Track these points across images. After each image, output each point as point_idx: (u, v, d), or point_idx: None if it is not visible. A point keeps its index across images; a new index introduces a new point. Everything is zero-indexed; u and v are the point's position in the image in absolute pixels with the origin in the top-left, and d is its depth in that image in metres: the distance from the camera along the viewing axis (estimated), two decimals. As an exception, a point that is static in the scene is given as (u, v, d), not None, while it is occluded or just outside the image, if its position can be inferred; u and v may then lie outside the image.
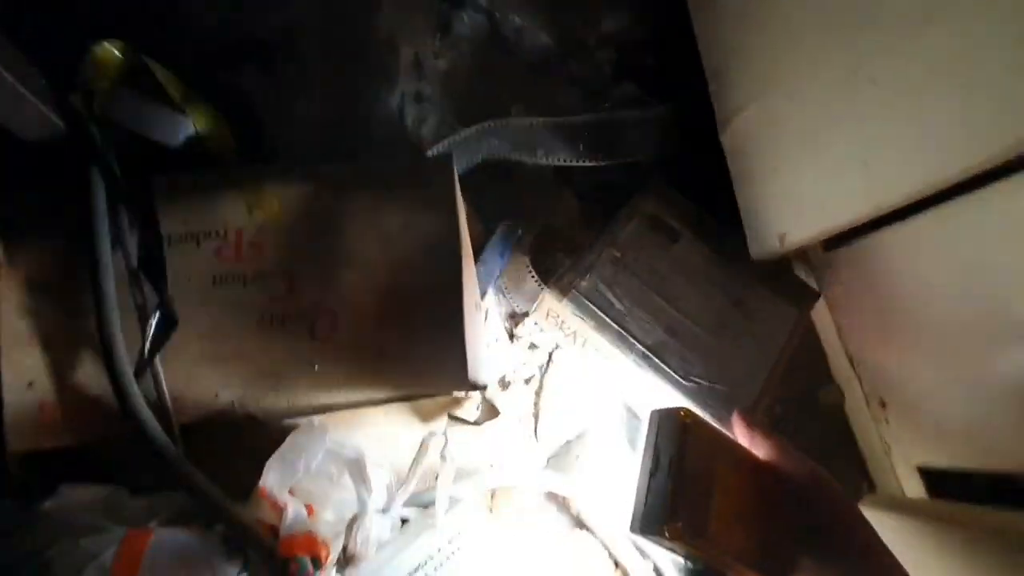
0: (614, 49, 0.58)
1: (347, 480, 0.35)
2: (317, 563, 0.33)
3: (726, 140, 0.53)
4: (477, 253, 0.50)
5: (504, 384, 0.52)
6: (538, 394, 0.53)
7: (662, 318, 0.47)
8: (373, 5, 0.52)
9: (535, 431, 0.51)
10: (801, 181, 0.46)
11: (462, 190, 0.42)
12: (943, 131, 0.35)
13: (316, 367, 0.38)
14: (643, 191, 0.52)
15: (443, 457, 0.37)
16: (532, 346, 0.53)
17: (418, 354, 0.39)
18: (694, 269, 0.50)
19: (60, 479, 0.34)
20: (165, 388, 0.37)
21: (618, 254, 0.49)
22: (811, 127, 0.45)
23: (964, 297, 0.41)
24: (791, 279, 0.53)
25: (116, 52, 0.38)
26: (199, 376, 0.38)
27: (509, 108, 0.55)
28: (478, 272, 0.47)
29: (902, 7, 0.36)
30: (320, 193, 0.41)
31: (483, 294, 0.48)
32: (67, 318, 0.37)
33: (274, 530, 0.33)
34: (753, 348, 0.48)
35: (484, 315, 0.49)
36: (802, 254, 0.54)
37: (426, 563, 0.39)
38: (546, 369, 0.53)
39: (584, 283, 0.47)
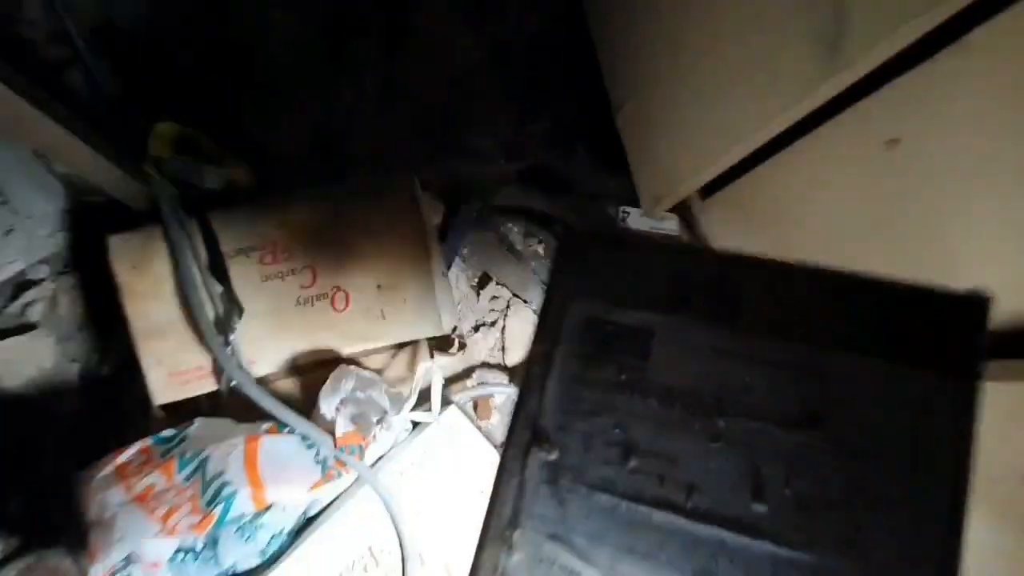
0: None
1: (372, 396, 0.54)
2: (361, 449, 0.52)
3: (619, 124, 0.69)
4: (444, 234, 0.67)
5: (476, 328, 0.70)
6: (503, 332, 0.71)
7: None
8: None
9: (503, 359, 0.70)
10: (670, 152, 0.63)
11: (426, 185, 0.59)
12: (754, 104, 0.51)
13: (340, 330, 0.57)
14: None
15: (435, 374, 0.56)
16: (493, 298, 0.71)
17: (406, 312, 0.57)
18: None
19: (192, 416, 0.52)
20: (242, 353, 0.55)
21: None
22: (670, 108, 0.61)
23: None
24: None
25: (171, 128, 0.55)
26: (262, 344, 0.57)
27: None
28: (444, 249, 0.65)
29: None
30: (325, 207, 0.58)
31: (449, 265, 0.66)
32: (175, 314, 0.55)
33: (331, 431, 0.52)
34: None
35: (452, 280, 0.67)
36: (685, 208, 0.71)
37: (425, 454, 0.58)
38: (506, 313, 0.71)
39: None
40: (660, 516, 0.29)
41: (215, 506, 0.47)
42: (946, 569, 0.26)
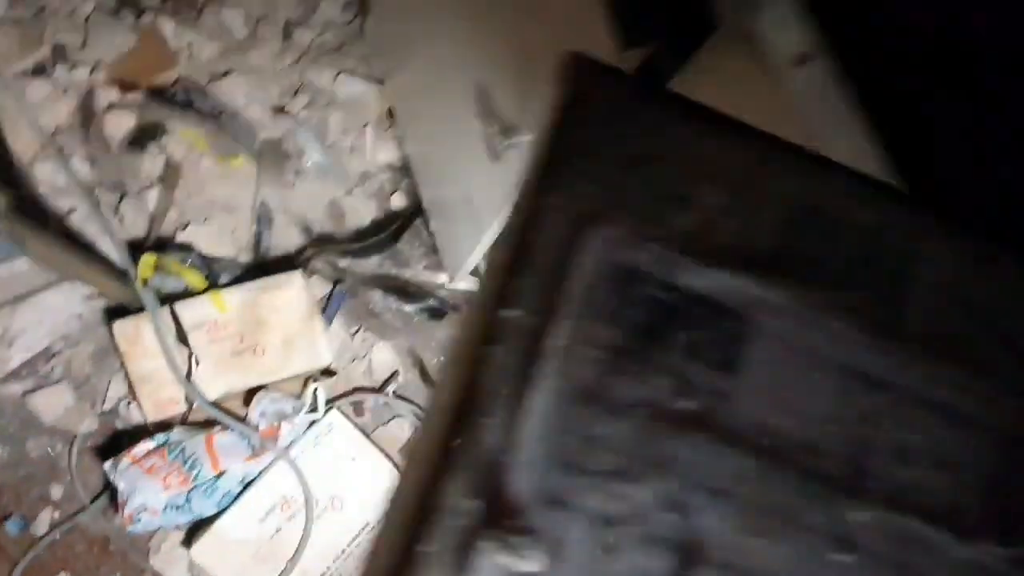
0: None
1: (280, 406, 0.92)
2: (275, 438, 0.91)
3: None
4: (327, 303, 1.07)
5: (352, 360, 1.09)
6: (370, 363, 1.11)
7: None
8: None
9: (372, 380, 1.10)
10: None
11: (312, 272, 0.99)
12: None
13: (260, 368, 0.95)
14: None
15: (320, 391, 0.95)
16: (363, 340, 1.10)
17: (302, 354, 0.96)
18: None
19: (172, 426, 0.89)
20: (202, 386, 0.93)
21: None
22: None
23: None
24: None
25: (150, 258, 0.92)
26: (214, 380, 0.94)
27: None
28: (326, 314, 1.04)
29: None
30: (247, 298, 0.97)
31: (329, 323, 1.06)
32: (158, 366, 0.91)
33: (257, 427, 0.90)
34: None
35: (333, 331, 1.07)
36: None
37: (316, 439, 0.97)
38: (371, 351, 1.11)
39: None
40: None
41: (191, 471, 0.84)
42: None
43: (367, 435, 1.05)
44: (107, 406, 0.96)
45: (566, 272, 0.13)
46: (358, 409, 1.09)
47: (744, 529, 0.13)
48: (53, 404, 0.95)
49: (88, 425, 0.94)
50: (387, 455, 1.04)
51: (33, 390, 0.95)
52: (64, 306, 0.93)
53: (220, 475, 0.87)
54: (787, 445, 0.13)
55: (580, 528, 0.12)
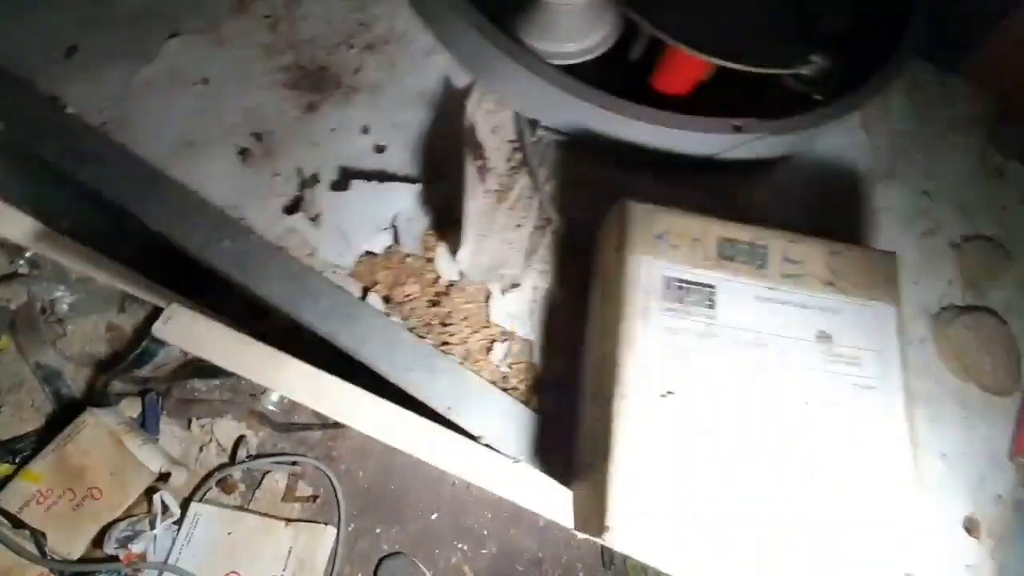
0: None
1: (136, 529, 0.92)
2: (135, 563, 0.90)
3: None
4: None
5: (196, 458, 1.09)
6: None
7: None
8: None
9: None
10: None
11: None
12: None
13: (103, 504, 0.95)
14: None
15: (161, 496, 0.95)
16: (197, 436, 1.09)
17: (141, 474, 0.95)
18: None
19: None
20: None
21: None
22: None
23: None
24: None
25: None
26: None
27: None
28: (147, 430, 1.03)
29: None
30: (55, 457, 0.96)
31: (156, 439, 1.05)
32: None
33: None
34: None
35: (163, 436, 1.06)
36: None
37: (188, 535, 0.96)
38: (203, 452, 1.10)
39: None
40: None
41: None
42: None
43: (243, 507, 1.05)
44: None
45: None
46: (226, 487, 1.09)
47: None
48: None
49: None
50: (266, 514, 1.04)
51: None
52: None
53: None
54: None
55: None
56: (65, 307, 1.09)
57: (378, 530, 1.16)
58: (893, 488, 0.41)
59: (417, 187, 0.48)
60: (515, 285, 0.47)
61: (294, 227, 0.45)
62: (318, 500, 1.14)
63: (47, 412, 1.04)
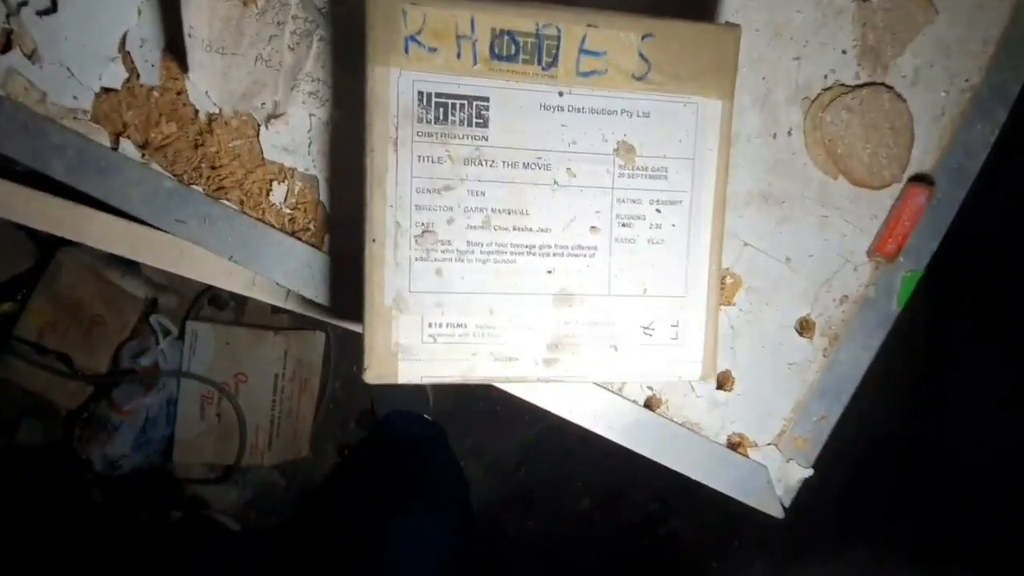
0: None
1: (141, 342, 1.04)
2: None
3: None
4: None
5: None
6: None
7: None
8: None
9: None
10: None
11: None
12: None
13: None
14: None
15: (157, 319, 1.04)
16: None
17: (124, 311, 1.04)
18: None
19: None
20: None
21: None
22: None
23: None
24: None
25: None
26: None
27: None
28: None
29: None
30: None
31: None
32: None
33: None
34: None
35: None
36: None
37: (192, 348, 1.08)
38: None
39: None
40: (522, 260, 0.35)
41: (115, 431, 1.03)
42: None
43: (236, 321, 1.15)
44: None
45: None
46: (218, 304, 1.17)
47: (510, 192, 0.34)
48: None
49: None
50: (258, 325, 1.14)
51: None
52: None
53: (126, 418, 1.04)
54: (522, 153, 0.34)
55: (437, 215, 0.34)
56: None
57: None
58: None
59: (138, -4, 0.38)
60: (278, 115, 0.40)
61: (14, 67, 0.38)
62: (300, 310, 1.24)
63: (31, 252, 1.11)
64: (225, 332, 1.11)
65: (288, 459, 1.19)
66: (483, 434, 1.29)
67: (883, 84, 0.43)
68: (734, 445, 0.46)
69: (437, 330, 0.35)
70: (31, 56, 0.37)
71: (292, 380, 1.15)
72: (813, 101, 0.43)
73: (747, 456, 0.46)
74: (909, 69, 0.43)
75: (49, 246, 1.08)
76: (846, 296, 0.45)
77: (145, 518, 1.14)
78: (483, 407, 1.28)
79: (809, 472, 0.47)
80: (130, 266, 1.12)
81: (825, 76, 0.43)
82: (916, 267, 0.46)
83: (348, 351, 1.24)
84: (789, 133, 0.43)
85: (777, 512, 0.46)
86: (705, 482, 0.45)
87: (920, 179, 0.45)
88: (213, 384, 1.08)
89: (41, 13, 0.36)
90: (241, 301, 1.18)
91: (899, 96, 0.43)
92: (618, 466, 1.34)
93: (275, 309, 1.19)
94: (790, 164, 0.43)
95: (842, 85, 0.43)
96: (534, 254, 0.35)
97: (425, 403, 1.18)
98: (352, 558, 0.56)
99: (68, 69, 0.37)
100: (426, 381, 0.35)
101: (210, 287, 1.16)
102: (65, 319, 1.04)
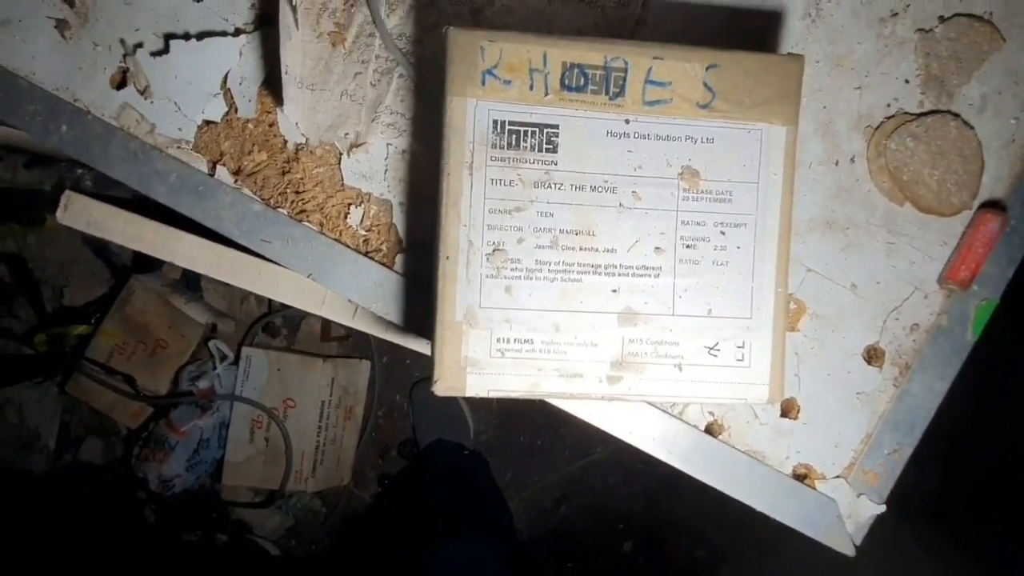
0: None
1: (200, 366, 1.08)
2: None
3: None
4: None
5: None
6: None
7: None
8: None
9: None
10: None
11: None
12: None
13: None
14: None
15: (215, 344, 1.09)
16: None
17: (186, 337, 1.09)
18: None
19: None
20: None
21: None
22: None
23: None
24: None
25: (43, 336, 1.09)
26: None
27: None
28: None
29: None
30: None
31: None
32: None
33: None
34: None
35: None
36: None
37: (246, 373, 1.12)
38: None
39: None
40: (588, 279, 0.37)
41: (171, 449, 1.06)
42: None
43: (288, 348, 1.19)
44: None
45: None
46: (272, 331, 1.22)
47: (577, 214, 0.36)
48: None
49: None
50: (308, 352, 1.18)
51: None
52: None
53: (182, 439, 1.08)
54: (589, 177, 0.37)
55: (507, 235, 0.36)
56: (88, 183, 1.17)
57: (408, 361, 1.29)
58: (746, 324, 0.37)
59: (241, 39, 0.42)
60: (359, 144, 0.43)
61: (127, 102, 0.42)
62: (350, 339, 1.27)
63: (106, 279, 1.19)
64: (277, 358, 1.15)
65: (331, 486, 1.20)
66: (523, 468, 1.27)
67: (949, 112, 0.43)
68: (800, 476, 0.44)
69: (505, 345, 0.36)
70: (143, 92, 0.41)
71: (338, 407, 1.17)
72: (876, 129, 0.43)
73: (815, 488, 0.44)
74: (976, 97, 0.43)
75: (123, 274, 1.16)
76: (916, 324, 0.44)
77: (192, 540, 1.16)
78: (524, 440, 1.27)
79: (882, 508, 0.44)
80: (193, 293, 1.18)
81: (888, 105, 0.43)
82: (992, 296, 0.44)
83: (392, 380, 1.26)
84: (852, 160, 0.43)
85: (848, 550, 0.44)
86: (771, 514, 0.44)
87: (991, 205, 0.44)
88: (264, 409, 1.11)
89: (155, 54, 0.41)
90: (293, 329, 1.22)
91: (966, 123, 0.42)
92: (663, 508, 1.29)
93: (324, 337, 1.22)
94: (853, 191, 0.43)
95: (906, 113, 0.43)
96: (600, 273, 0.36)
97: (466, 434, 1.18)
98: (400, 581, 0.55)
99: (175, 104, 0.41)
100: (493, 394, 0.36)
101: (265, 315, 1.21)
102: (133, 342, 1.10)
